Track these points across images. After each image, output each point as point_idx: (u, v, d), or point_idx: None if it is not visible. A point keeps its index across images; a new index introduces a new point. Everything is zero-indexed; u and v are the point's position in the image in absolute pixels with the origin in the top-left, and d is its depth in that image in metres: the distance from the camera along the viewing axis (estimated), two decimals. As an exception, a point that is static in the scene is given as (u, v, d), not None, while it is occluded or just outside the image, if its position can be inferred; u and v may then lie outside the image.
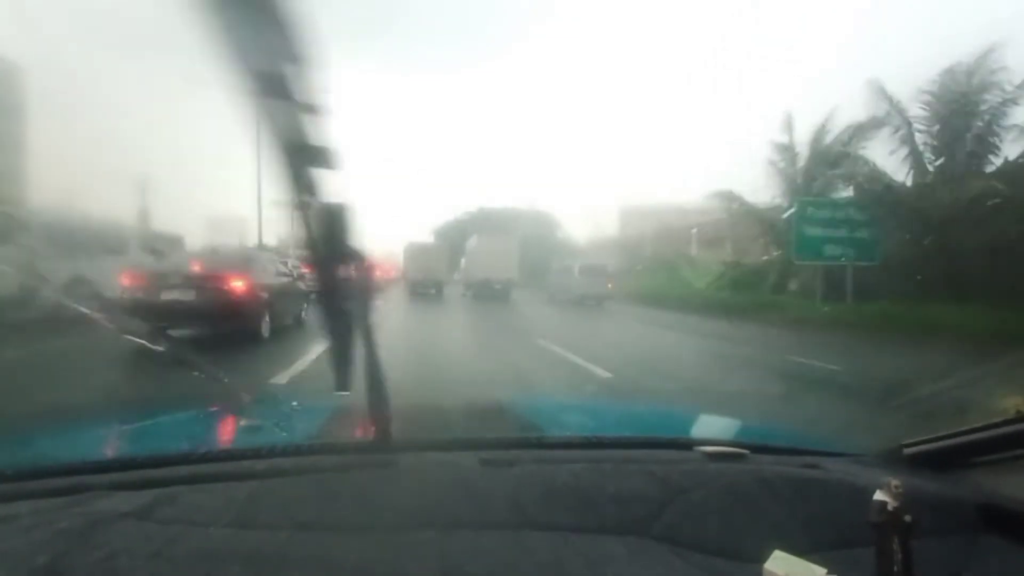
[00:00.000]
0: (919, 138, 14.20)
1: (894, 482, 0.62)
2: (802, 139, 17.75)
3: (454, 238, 32.13)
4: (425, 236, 38.48)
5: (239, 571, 0.63)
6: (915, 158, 14.34)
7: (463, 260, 28.48)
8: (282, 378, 5.38)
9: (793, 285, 16.68)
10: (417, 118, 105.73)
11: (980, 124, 13.47)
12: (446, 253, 25.68)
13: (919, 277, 13.39)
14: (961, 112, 13.51)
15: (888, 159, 14.79)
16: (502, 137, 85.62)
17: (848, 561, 0.69)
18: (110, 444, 1.26)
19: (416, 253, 24.24)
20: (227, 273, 7.54)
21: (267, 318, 7.93)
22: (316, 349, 6.39)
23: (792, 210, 15.38)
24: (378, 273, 23.69)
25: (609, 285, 20.27)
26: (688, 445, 1.08)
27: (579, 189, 77.31)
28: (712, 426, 1.10)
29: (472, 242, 25.47)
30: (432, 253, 24.55)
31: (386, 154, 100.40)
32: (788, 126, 18.04)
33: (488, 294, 21.66)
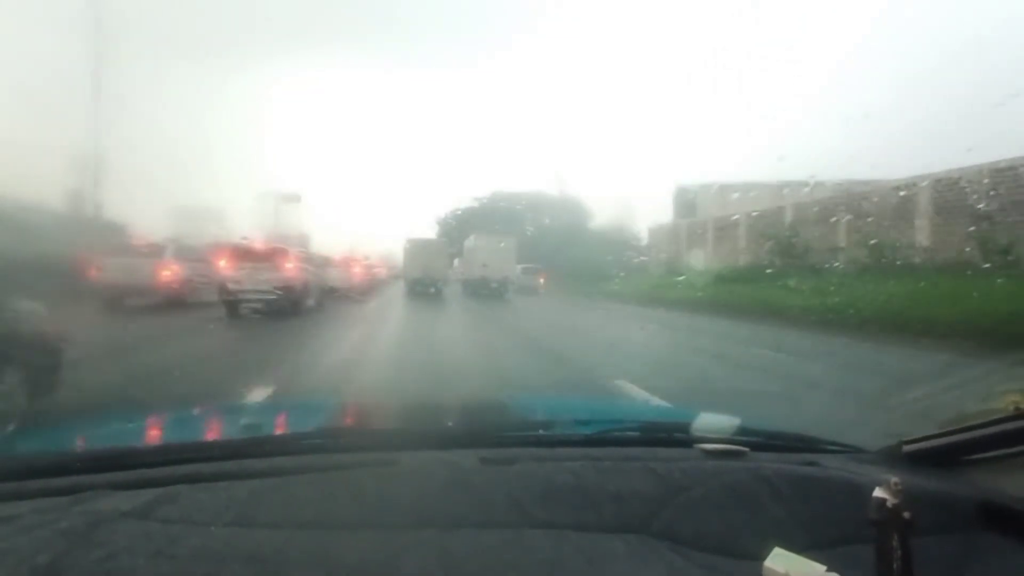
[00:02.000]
0: None
1: (893, 479, 0.62)
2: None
3: (464, 227, 31.34)
4: (432, 227, 38.26)
5: (240, 570, 0.63)
6: None
7: (457, 260, 28.48)
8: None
9: None
10: (428, 108, 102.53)
11: None
12: (446, 250, 25.47)
13: None
14: None
15: None
16: (527, 123, 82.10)
17: (848, 558, 0.69)
18: (110, 443, 1.26)
19: (415, 250, 23.69)
20: None
21: None
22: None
23: None
24: (363, 271, 23.44)
25: (541, 280, 27.17)
26: (687, 443, 1.08)
27: (622, 173, 66.02)
28: (711, 423, 1.10)
29: (470, 242, 25.43)
30: (432, 250, 24.11)
31: (393, 147, 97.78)
32: None
33: (484, 292, 21.75)
